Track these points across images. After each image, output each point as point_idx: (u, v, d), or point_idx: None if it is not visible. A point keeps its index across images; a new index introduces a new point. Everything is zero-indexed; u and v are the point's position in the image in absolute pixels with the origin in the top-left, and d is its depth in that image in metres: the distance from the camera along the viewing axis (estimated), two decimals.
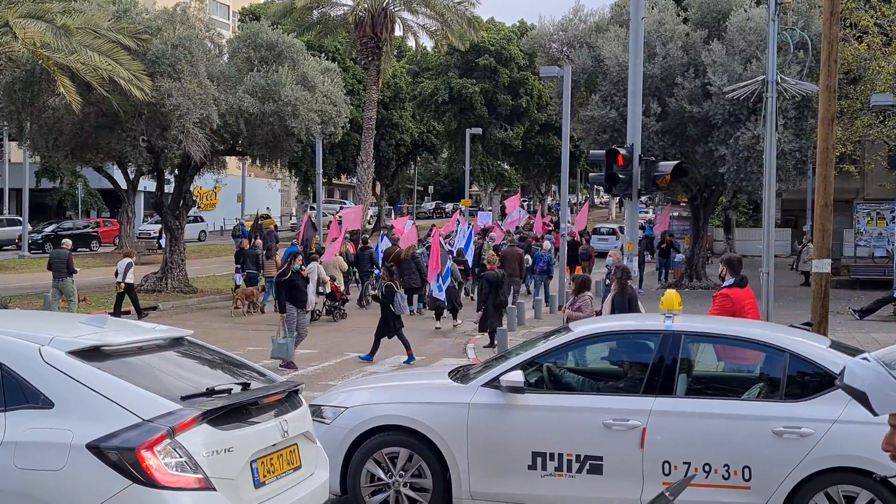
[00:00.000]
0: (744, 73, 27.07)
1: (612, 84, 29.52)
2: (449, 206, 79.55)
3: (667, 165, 13.57)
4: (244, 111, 25.13)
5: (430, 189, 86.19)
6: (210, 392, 5.22)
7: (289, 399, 5.75)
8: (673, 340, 6.95)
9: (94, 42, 21.12)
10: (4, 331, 5.28)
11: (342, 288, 23.84)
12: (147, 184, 45.69)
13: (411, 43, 42.63)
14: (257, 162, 31.76)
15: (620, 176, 13.09)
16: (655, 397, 6.82)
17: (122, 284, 21.54)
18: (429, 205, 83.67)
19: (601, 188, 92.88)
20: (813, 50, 27.96)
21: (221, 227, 60.44)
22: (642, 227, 53.75)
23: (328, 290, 22.35)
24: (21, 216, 41.36)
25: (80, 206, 51.21)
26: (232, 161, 42.76)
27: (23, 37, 19.62)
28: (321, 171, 33.88)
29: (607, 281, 15.67)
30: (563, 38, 32.16)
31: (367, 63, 37.82)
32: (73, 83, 20.18)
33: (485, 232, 33.47)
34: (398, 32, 40.70)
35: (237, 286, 24.56)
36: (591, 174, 17.29)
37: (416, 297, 23.87)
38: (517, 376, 6.95)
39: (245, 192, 54.57)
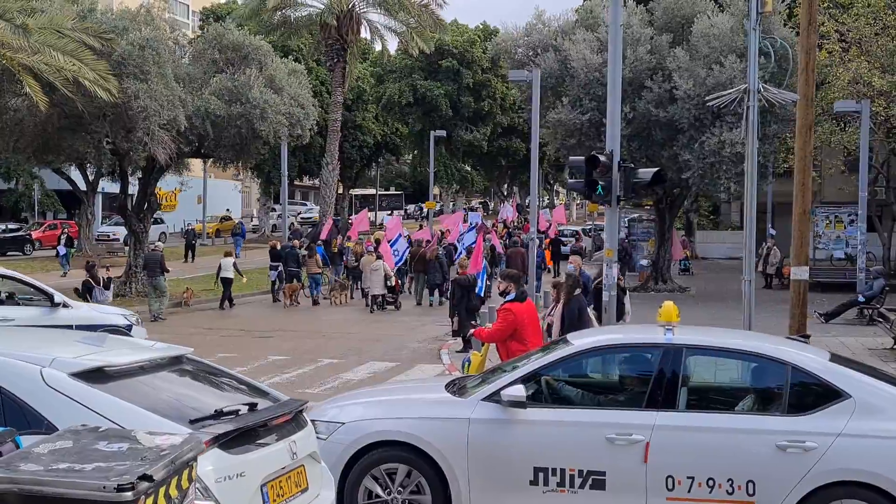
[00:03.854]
0: (707, 78, 27.38)
1: (580, 87, 29.61)
2: (411, 208, 79.43)
3: (646, 172, 13.58)
4: (210, 113, 24.83)
5: (392, 191, 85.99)
6: (218, 414, 5.06)
7: (295, 419, 5.61)
8: (674, 354, 6.92)
9: (58, 42, 20.67)
10: (5, 351, 5.06)
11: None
12: (106, 185, 44.94)
13: (378, 45, 42.37)
14: (223, 164, 31.44)
15: (600, 183, 13.08)
16: (658, 411, 6.78)
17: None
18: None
19: (560, 191, 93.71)
20: (776, 56, 28.42)
21: (182, 228, 59.62)
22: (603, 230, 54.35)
23: (392, 284, 25.80)
24: None
25: (36, 207, 50.13)
26: (195, 163, 42.25)
27: None
28: (287, 172, 33.54)
29: None
30: (529, 43, 32.19)
31: (332, 65, 37.57)
32: (37, 83, 19.73)
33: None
34: (364, 34, 40.50)
35: (273, 283, 27.82)
36: (570, 181, 17.29)
37: (437, 291, 27.18)
38: (519, 391, 6.87)
39: (206, 193, 53.89)
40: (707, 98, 16.63)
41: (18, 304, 13.88)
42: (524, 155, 64.60)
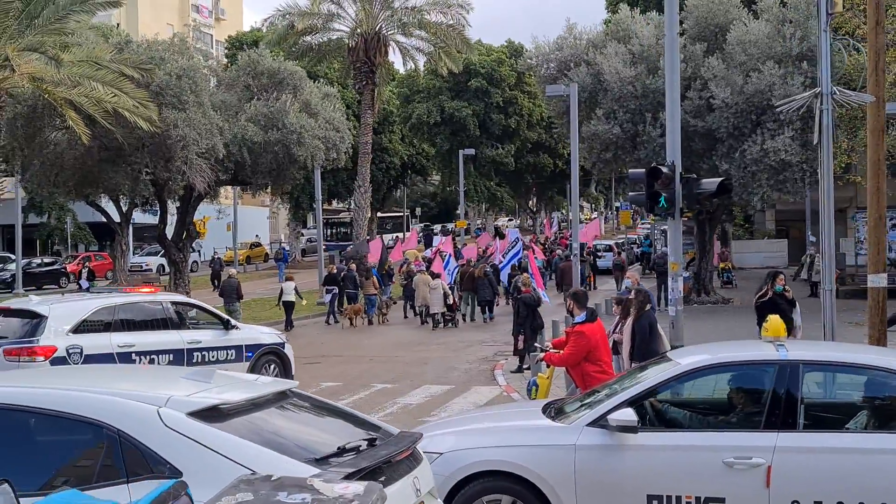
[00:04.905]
0: (745, 86, 27.03)
1: (614, 100, 29.37)
2: (437, 227, 79.20)
3: (710, 183, 13.25)
4: (247, 140, 24.76)
5: (418, 212, 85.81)
6: (341, 451, 4.78)
7: (412, 453, 5.31)
8: (791, 371, 6.55)
9: (97, 73, 20.66)
10: (116, 392, 4.81)
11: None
12: (137, 216, 44.99)
13: (408, 65, 42.26)
14: (255, 191, 31.41)
15: (663, 195, 12.77)
16: (778, 432, 6.41)
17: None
18: (417, 227, 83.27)
19: (584, 205, 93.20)
20: (814, 61, 27.97)
21: (212, 256, 59.67)
22: (639, 244, 53.76)
23: (451, 302, 26.66)
24: (14, 253, 40.46)
25: (69, 240, 50.31)
26: (224, 189, 42.26)
27: (25, 71, 19.12)
28: (321, 197, 33.39)
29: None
30: (560, 57, 31.98)
31: (361, 87, 37.42)
32: (78, 116, 19.71)
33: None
34: (392, 56, 40.38)
35: (331, 305, 28.83)
36: (630, 193, 16.97)
37: (488, 308, 27.89)
38: (629, 415, 6.53)
39: (236, 220, 53.91)
40: (776, 104, 16.23)
41: (189, 329, 14.96)
42: (551, 171, 64.29)
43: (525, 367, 17.48)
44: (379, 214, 76.21)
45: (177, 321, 14.60)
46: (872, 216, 12.01)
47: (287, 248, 62.93)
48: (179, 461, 4.42)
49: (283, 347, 16.07)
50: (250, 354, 15.23)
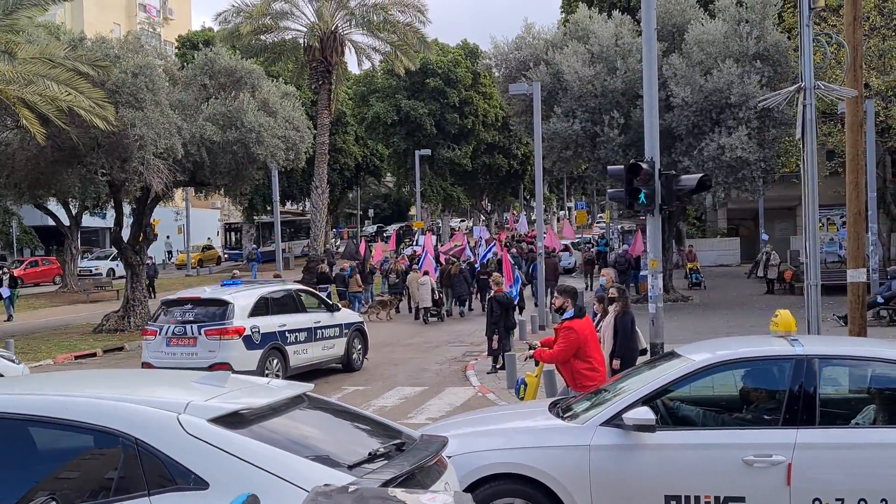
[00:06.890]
0: (704, 85, 27.25)
1: (574, 99, 29.39)
2: (390, 229, 78.81)
3: (690, 179, 13.18)
4: (206, 139, 24.19)
5: (371, 212, 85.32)
6: (372, 457, 4.53)
7: (440, 458, 5.07)
8: (808, 365, 6.44)
9: (52, 72, 19.98)
10: (130, 398, 4.48)
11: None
12: (85, 219, 43.93)
13: (364, 65, 41.89)
14: (218, 191, 30.85)
15: (643, 191, 12.69)
16: (798, 429, 6.29)
17: None
18: (370, 228, 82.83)
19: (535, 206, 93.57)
20: (770, 60, 28.33)
21: (163, 259, 58.57)
22: (594, 243, 54.07)
23: (437, 297, 27.83)
24: None
25: (14, 244, 48.90)
26: (175, 192, 41.33)
27: None
28: (278, 198, 32.86)
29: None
30: (519, 57, 31.95)
31: (317, 87, 36.98)
32: (32, 115, 19.01)
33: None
34: (349, 56, 39.99)
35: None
36: (609, 190, 16.85)
37: (465, 303, 29.73)
38: (646, 413, 6.34)
39: (188, 222, 52.94)
40: (758, 100, 16.23)
41: (311, 312, 17.92)
42: (506, 171, 64.29)
43: (499, 366, 17.30)
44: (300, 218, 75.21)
45: (302, 305, 17.68)
46: (852, 211, 12.05)
47: (240, 250, 62.08)
48: (204, 471, 4.12)
49: (364, 325, 19.63)
50: (347, 331, 18.60)
